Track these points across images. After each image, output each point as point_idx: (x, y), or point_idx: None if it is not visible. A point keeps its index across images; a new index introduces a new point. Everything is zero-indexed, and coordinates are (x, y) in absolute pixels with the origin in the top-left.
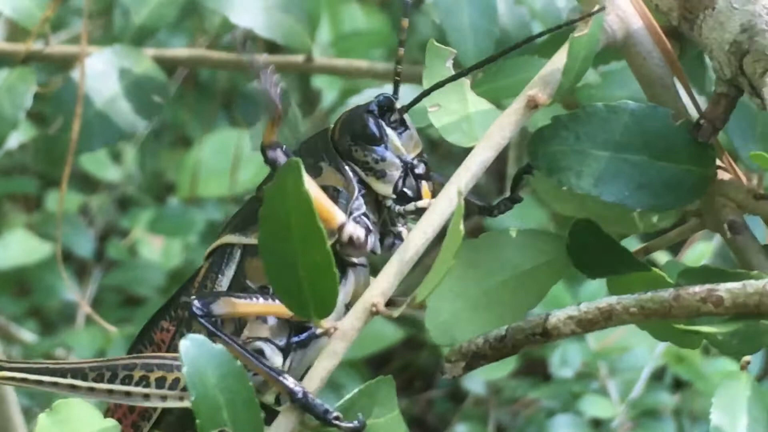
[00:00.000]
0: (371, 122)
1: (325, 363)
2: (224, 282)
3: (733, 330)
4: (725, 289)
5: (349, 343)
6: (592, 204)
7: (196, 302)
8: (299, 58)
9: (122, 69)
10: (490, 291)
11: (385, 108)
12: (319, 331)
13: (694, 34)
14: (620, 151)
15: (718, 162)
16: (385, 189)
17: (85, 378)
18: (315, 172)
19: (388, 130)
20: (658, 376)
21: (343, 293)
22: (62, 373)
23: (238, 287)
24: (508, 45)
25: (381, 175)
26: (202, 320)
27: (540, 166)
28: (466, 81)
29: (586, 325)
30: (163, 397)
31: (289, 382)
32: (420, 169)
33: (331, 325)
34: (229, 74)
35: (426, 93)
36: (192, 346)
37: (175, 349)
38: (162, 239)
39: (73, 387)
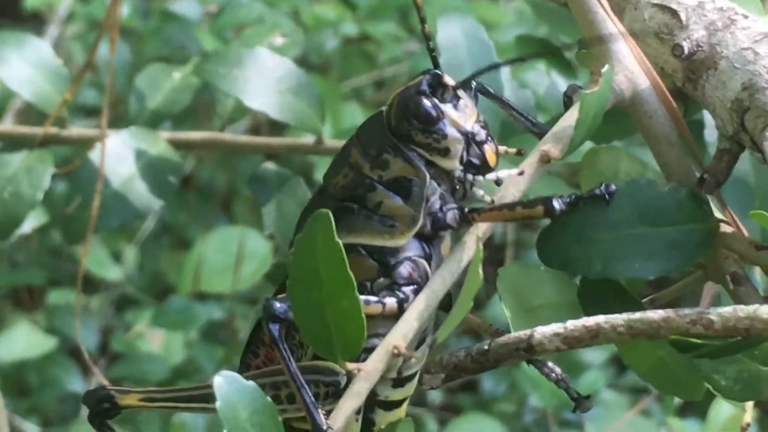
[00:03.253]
0: (426, 102)
1: (349, 402)
2: None
3: (735, 375)
4: (716, 312)
5: (371, 384)
6: None
7: (275, 304)
8: (309, 140)
9: (138, 150)
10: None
11: (435, 84)
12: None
13: (698, 93)
14: (620, 228)
15: (720, 216)
16: (451, 164)
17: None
18: (382, 166)
19: (444, 106)
20: None
21: (435, 259)
22: (182, 399)
23: None
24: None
25: (445, 153)
26: (273, 326)
27: (551, 263)
28: None
29: (572, 342)
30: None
31: (320, 418)
32: (481, 136)
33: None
34: (228, 176)
35: (477, 73)
36: (225, 382)
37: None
38: (163, 337)
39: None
